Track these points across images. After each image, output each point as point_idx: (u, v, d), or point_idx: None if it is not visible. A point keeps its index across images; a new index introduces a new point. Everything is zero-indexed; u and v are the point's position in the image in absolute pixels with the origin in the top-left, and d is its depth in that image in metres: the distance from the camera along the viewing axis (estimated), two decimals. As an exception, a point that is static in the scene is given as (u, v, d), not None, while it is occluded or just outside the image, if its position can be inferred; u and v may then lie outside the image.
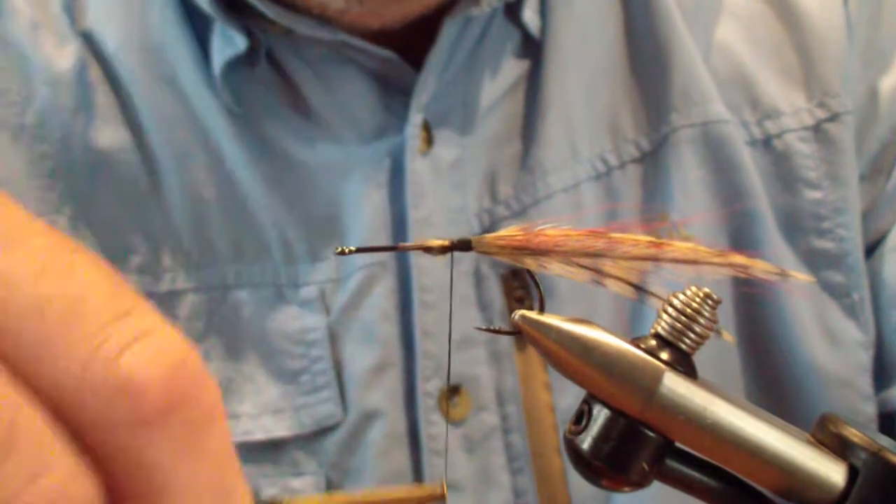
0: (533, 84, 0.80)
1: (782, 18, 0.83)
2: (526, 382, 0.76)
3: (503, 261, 0.41)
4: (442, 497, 0.39)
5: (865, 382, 0.81)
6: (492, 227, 0.78)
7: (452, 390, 0.76)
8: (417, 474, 0.76)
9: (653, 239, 0.39)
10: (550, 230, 0.40)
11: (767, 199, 0.80)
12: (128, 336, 0.28)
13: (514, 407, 0.76)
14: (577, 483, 0.76)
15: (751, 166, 0.80)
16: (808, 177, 0.81)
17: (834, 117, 0.81)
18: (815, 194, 0.81)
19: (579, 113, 0.80)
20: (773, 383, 0.81)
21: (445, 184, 0.77)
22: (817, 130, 0.81)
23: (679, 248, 0.39)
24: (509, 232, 0.40)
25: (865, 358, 0.81)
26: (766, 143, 0.81)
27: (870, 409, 0.81)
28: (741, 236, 0.80)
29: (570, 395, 0.76)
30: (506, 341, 0.77)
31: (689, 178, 0.79)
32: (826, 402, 0.79)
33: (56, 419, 0.28)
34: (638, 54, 0.82)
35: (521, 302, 0.77)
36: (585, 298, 0.77)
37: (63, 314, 0.27)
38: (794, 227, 0.81)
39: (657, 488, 0.42)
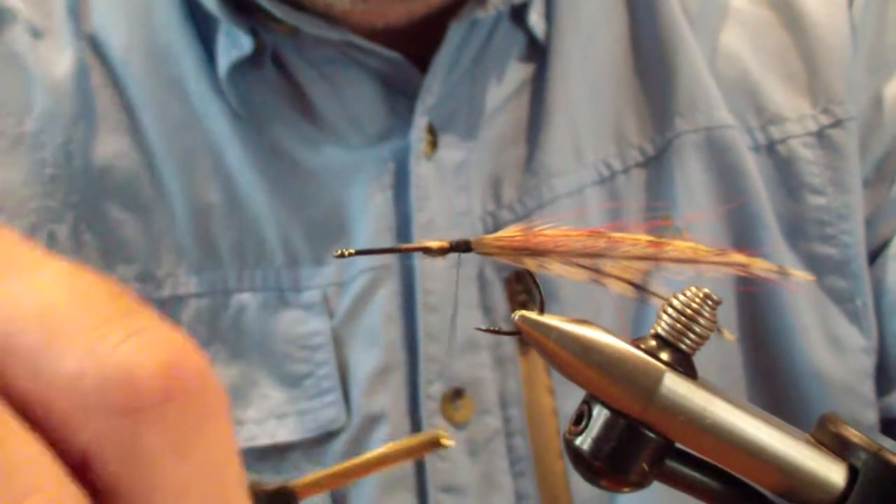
0: (538, 88, 0.80)
1: (788, 26, 0.83)
2: (529, 386, 0.76)
3: (504, 262, 0.41)
4: (437, 443, 0.37)
5: (868, 388, 0.81)
6: (496, 231, 0.78)
7: (455, 394, 0.76)
8: (420, 478, 0.76)
9: (652, 238, 0.39)
10: (550, 230, 0.40)
11: (771, 205, 0.80)
12: (126, 331, 0.27)
13: (517, 410, 0.76)
14: (580, 487, 0.76)
15: (755, 172, 0.80)
16: (812, 182, 0.81)
17: (838, 123, 0.81)
18: (818, 200, 0.81)
19: (584, 117, 0.80)
20: (776, 388, 0.81)
21: (450, 187, 0.77)
22: (821, 136, 0.81)
23: (679, 247, 0.40)
24: (508, 232, 0.40)
25: (868, 364, 0.81)
26: (769, 149, 0.81)
27: (872, 416, 0.81)
28: (744, 241, 0.80)
29: (574, 399, 0.76)
30: (510, 346, 0.77)
31: (692, 183, 0.79)
32: (828, 408, 0.79)
33: (45, 424, 0.27)
34: (643, 59, 0.82)
35: (525, 306, 0.77)
36: (588, 303, 0.77)
37: (58, 321, 0.27)
38: (798, 232, 0.81)
39: (661, 490, 0.42)
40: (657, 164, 0.80)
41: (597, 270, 0.41)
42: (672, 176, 0.80)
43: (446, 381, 0.76)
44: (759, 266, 0.38)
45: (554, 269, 0.41)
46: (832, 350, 0.80)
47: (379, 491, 0.75)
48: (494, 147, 0.79)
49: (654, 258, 0.39)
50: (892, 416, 0.82)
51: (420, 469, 0.76)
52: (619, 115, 0.81)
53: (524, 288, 0.77)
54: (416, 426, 0.76)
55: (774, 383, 0.81)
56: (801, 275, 0.36)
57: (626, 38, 0.83)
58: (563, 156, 0.79)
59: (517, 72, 0.80)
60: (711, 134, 0.80)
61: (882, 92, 0.83)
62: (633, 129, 0.81)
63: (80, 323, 0.27)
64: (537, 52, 0.80)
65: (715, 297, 0.39)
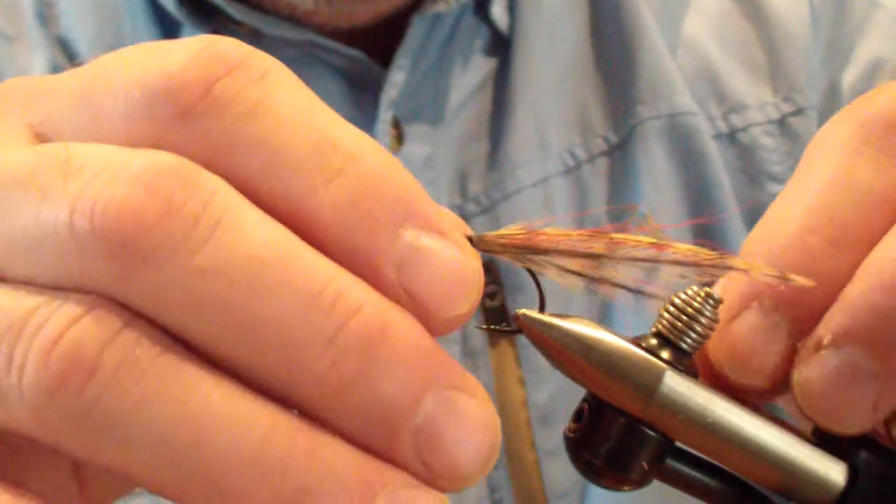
0: (501, 82, 0.80)
1: (749, 15, 0.84)
2: (499, 378, 0.76)
3: (502, 259, 0.41)
4: None
5: None
6: None
7: None
8: None
9: (654, 240, 0.39)
10: (552, 230, 0.40)
11: (733, 193, 0.81)
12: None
13: None
14: (552, 477, 0.76)
15: (717, 159, 0.81)
16: (773, 171, 0.82)
17: (799, 111, 0.82)
18: (779, 188, 0.81)
19: (548, 108, 0.80)
20: None
21: (417, 180, 0.76)
22: (782, 124, 0.82)
23: (679, 250, 0.39)
24: (511, 230, 0.40)
25: None
26: (731, 137, 0.82)
27: None
28: (708, 229, 0.81)
29: (543, 391, 0.76)
30: (479, 338, 0.76)
31: (656, 169, 0.80)
32: None
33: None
34: (605, 48, 0.82)
35: (493, 297, 0.77)
36: (560, 291, 0.77)
37: None
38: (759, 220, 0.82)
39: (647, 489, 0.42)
40: (621, 152, 0.81)
41: (597, 271, 0.40)
42: (636, 163, 0.80)
43: None
44: (760, 270, 0.38)
45: (554, 270, 0.40)
46: None
47: None
48: (460, 141, 0.79)
49: (654, 260, 0.39)
50: None
51: None
52: (583, 105, 0.81)
53: (492, 279, 0.77)
54: None
55: None
56: (801, 280, 0.36)
57: (588, 28, 0.83)
58: (528, 147, 0.79)
59: (481, 65, 0.80)
60: (674, 120, 0.80)
61: (838, 81, 0.84)
62: (598, 119, 0.81)
63: None
64: (500, 46, 0.80)
65: (716, 297, 0.39)
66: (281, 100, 0.31)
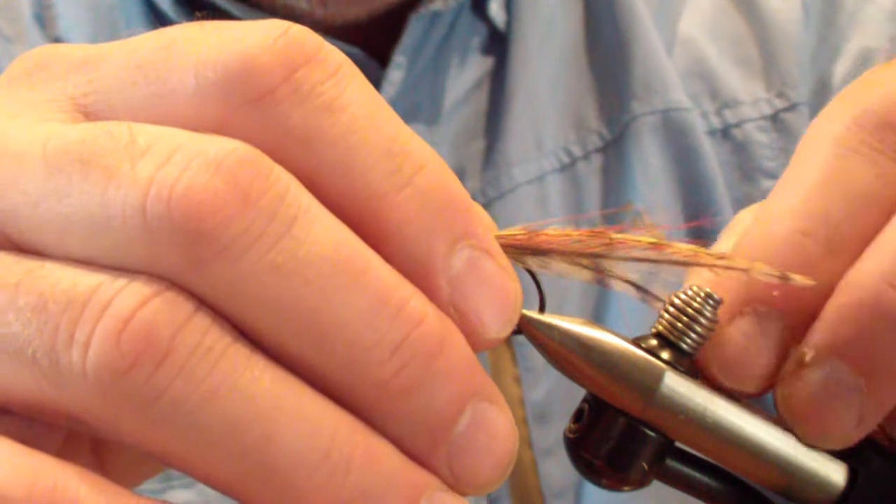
0: (498, 79, 0.80)
1: (743, 11, 0.84)
2: (496, 376, 0.76)
3: None
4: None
5: None
6: None
7: None
8: None
9: (654, 240, 0.39)
10: (552, 230, 0.40)
11: (726, 189, 0.81)
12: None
13: None
14: (548, 476, 0.76)
15: (711, 155, 0.81)
16: (767, 167, 0.82)
17: (792, 107, 0.82)
18: (773, 184, 0.81)
19: (544, 105, 0.80)
20: None
21: None
22: (775, 120, 0.82)
23: (680, 249, 0.40)
24: (510, 231, 0.40)
25: None
26: (724, 133, 0.82)
27: None
28: (700, 225, 0.81)
29: (540, 389, 0.76)
30: None
31: (650, 165, 0.80)
32: None
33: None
34: (599, 44, 0.82)
35: None
36: (555, 290, 0.77)
37: None
38: None
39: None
40: (616, 148, 0.81)
41: (598, 270, 0.40)
42: (630, 159, 0.80)
43: None
44: (761, 270, 0.37)
45: (555, 269, 0.40)
46: None
47: None
48: (456, 139, 0.79)
49: (654, 260, 0.39)
50: None
51: None
52: (578, 102, 0.81)
53: None
54: None
55: None
56: (801, 279, 0.36)
57: (583, 24, 0.83)
58: (524, 145, 0.79)
59: (479, 63, 0.80)
60: (668, 116, 0.80)
61: (829, 75, 0.84)
62: (593, 115, 0.81)
63: None
64: (497, 44, 0.80)
65: (716, 297, 0.39)
66: (354, 97, 0.31)
